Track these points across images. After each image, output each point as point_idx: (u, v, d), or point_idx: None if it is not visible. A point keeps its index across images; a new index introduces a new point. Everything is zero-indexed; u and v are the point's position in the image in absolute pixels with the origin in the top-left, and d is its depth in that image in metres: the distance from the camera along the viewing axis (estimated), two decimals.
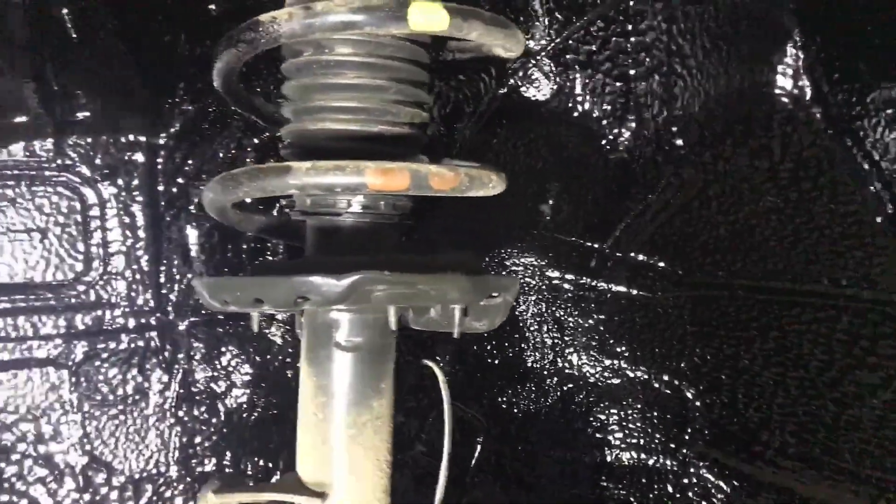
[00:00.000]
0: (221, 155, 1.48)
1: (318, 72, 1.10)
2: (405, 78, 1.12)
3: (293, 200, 1.17)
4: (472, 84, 1.46)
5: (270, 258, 1.51)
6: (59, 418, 1.42)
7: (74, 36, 1.28)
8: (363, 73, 1.09)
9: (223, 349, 1.53)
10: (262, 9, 1.03)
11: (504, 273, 1.57)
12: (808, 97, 1.26)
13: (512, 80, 1.45)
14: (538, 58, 1.44)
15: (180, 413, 1.50)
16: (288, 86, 1.15)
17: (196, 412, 1.52)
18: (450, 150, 1.49)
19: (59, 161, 1.38)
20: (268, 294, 1.01)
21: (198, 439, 1.52)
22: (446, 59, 1.34)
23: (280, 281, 1.00)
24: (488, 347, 1.65)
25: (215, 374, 1.53)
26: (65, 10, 1.26)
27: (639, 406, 1.52)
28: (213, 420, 1.53)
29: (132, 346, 1.46)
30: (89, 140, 1.39)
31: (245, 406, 1.55)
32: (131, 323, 1.46)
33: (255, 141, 1.50)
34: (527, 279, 1.57)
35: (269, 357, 1.56)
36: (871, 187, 1.24)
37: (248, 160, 1.49)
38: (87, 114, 1.36)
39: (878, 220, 1.24)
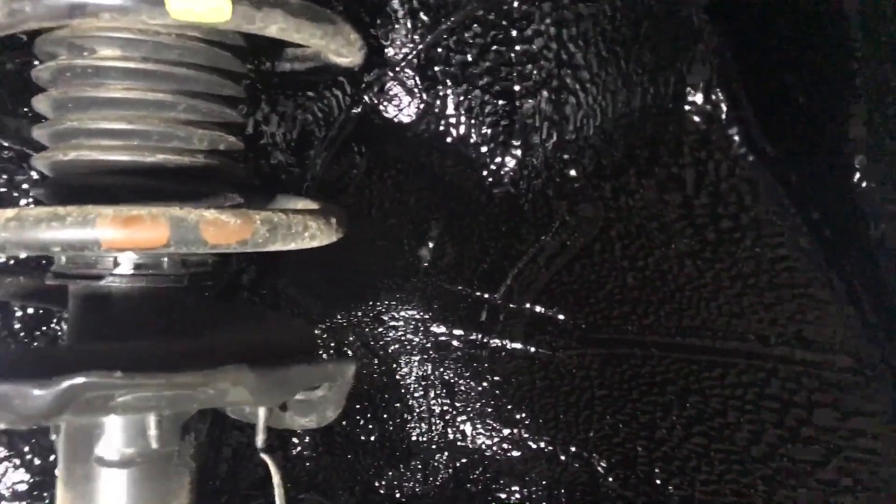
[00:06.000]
0: None
1: (74, 81, 0.81)
2: (201, 91, 0.85)
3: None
4: (324, 102, 1.18)
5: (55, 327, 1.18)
6: None
7: None
8: (137, 83, 0.81)
9: None
10: None
11: (378, 330, 1.35)
12: (723, 115, 1.02)
13: (367, 97, 1.17)
14: (399, 69, 1.17)
15: None
16: (38, 100, 0.85)
17: None
18: (300, 184, 1.20)
19: None
20: None
21: None
22: (285, 70, 1.07)
23: None
24: (362, 421, 1.38)
25: None
26: None
27: (544, 482, 1.37)
28: None
29: None
30: None
31: None
32: None
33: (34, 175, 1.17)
34: (408, 336, 1.43)
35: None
36: (803, 227, 1.01)
37: (21, 201, 1.16)
38: None
39: (811, 265, 1.02)
